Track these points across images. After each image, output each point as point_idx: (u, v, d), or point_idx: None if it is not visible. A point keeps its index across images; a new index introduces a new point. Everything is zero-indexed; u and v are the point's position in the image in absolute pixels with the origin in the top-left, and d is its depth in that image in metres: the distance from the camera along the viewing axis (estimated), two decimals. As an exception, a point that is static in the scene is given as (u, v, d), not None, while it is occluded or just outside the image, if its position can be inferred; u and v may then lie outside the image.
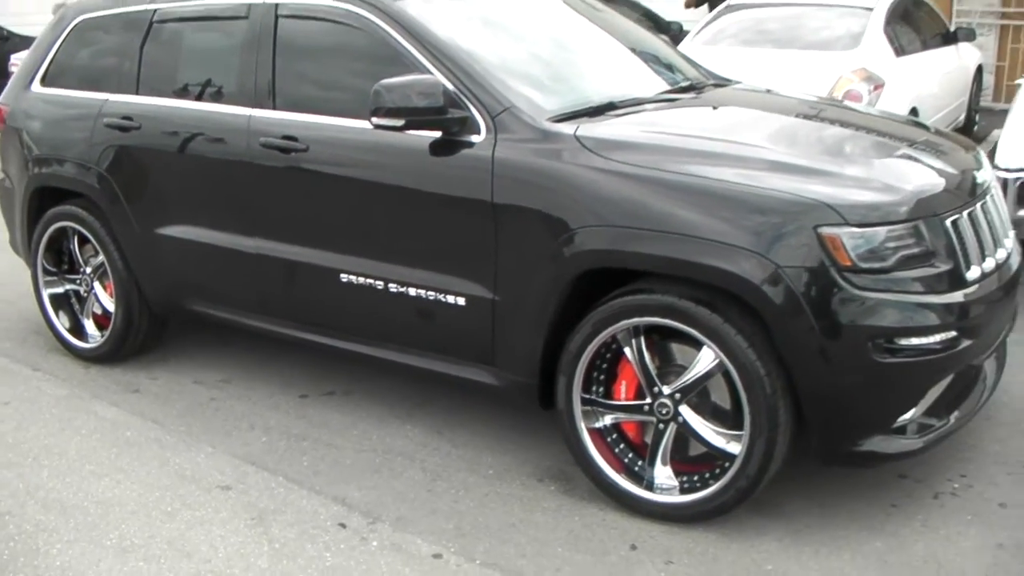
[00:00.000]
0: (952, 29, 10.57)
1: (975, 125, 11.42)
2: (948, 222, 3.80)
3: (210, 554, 3.85)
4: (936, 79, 9.34)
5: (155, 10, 5.46)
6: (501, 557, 3.80)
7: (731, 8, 9.53)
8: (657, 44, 5.65)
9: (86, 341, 5.82)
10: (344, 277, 4.60)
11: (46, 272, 5.95)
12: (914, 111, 8.26)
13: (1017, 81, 8.12)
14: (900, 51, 8.63)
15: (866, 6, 8.77)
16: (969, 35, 10.66)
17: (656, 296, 3.82)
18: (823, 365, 3.62)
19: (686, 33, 10.52)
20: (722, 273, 3.66)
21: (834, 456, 3.85)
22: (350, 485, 4.33)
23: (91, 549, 3.91)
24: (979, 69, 11.43)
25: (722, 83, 5.31)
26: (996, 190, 4.43)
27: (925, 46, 9.59)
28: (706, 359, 3.78)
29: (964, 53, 10.71)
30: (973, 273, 3.85)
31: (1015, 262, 4.29)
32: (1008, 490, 4.16)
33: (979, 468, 4.33)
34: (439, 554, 3.83)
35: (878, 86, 7.76)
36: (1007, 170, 6.02)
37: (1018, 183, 5.96)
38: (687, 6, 13.00)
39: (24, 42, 16.95)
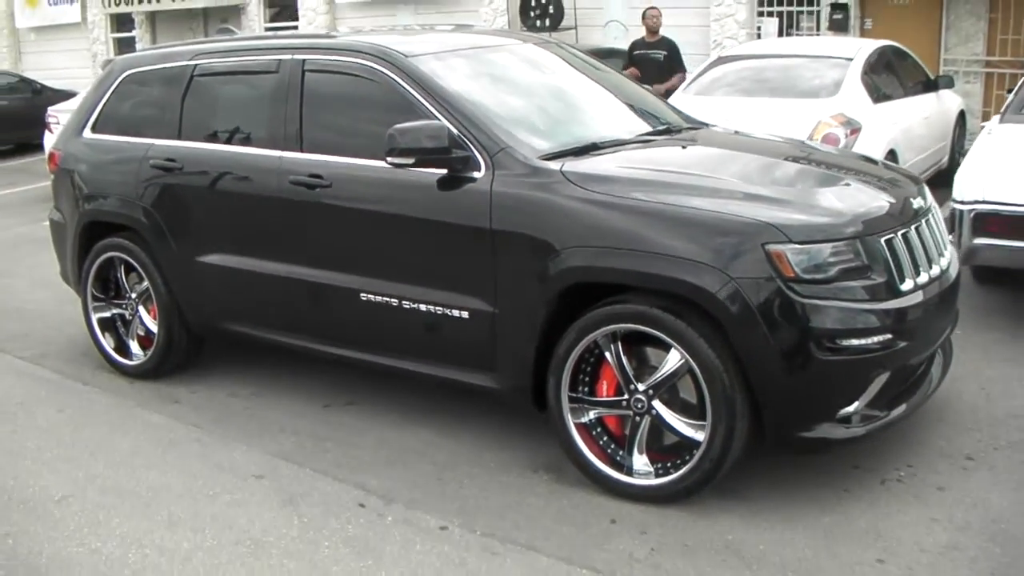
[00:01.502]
0: (933, 77, 11.18)
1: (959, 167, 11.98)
2: (883, 241, 4.43)
3: (248, 526, 4.50)
4: (915, 124, 9.95)
5: (195, 65, 6.17)
6: (498, 529, 4.41)
7: (722, 60, 10.24)
8: (641, 94, 6.31)
9: (131, 359, 6.49)
10: (364, 296, 5.24)
11: (94, 299, 6.62)
12: (892, 153, 8.89)
13: (982, 124, 8.73)
14: (878, 98, 9.27)
15: (847, 57, 9.43)
16: (948, 83, 11.29)
17: (629, 306, 4.46)
18: (773, 362, 4.24)
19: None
20: (684, 284, 4.30)
21: (785, 442, 4.46)
22: (368, 475, 4.96)
23: (145, 523, 4.56)
24: (962, 114, 12.01)
25: (696, 126, 5.97)
26: (934, 215, 5.06)
27: (905, 93, 10.24)
28: (673, 359, 4.41)
29: (945, 99, 11.33)
30: (907, 285, 4.48)
31: (952, 275, 4.93)
32: (948, 477, 4.74)
33: (924, 460, 4.91)
34: (445, 527, 4.45)
35: (855, 130, 8.42)
36: (961, 202, 6.63)
37: (972, 214, 6.55)
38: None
39: (57, 95, 17.79)
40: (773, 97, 9.16)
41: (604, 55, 12.97)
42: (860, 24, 14.78)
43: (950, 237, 6.42)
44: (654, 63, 11.82)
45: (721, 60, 10.28)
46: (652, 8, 12.18)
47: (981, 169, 6.79)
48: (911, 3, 14.45)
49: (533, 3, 16.58)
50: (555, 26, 16.11)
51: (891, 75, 10.23)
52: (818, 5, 14.88)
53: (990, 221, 6.53)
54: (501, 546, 4.28)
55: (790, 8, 15.14)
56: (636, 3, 15.79)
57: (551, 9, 16.27)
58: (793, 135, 7.21)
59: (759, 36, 14.90)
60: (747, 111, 8.72)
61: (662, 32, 12.12)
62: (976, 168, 6.85)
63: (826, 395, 4.35)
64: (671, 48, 11.83)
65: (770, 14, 15.18)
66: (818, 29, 14.91)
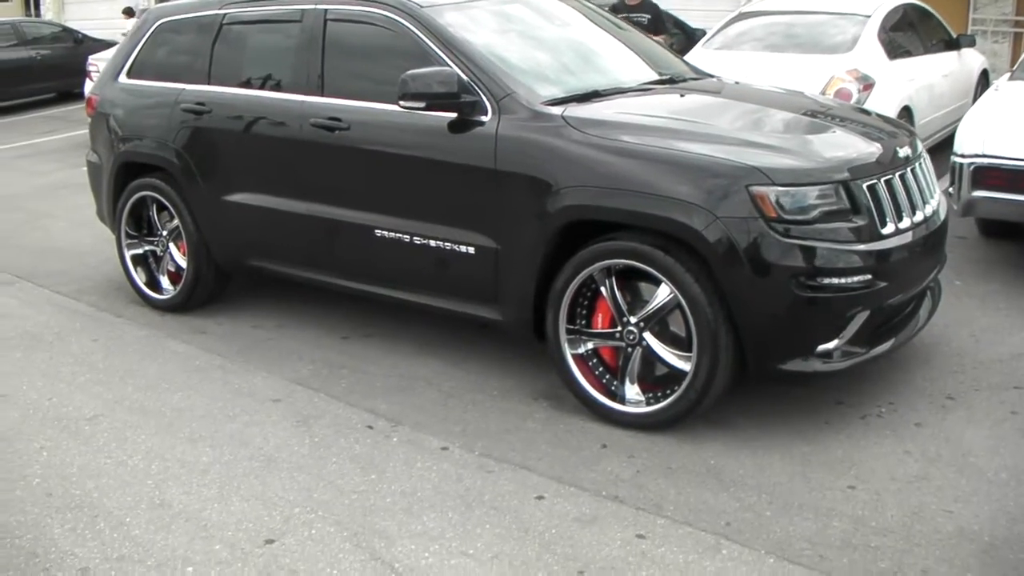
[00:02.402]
0: (955, 36, 11.27)
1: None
2: (866, 186, 4.68)
3: (262, 443, 4.84)
4: (934, 81, 10.06)
5: (224, 14, 6.49)
6: (495, 450, 4.73)
7: (742, 16, 10.40)
8: (648, 44, 6.56)
9: (161, 293, 6.85)
10: (378, 232, 5.55)
11: (128, 236, 6.98)
12: (907, 109, 9.06)
13: (994, 82, 8.85)
14: (893, 54, 9.41)
15: (865, 14, 9.57)
16: (970, 42, 11.36)
17: (622, 242, 4.74)
18: (754, 298, 4.51)
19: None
20: (673, 223, 4.57)
21: (766, 374, 4.73)
22: (378, 400, 5.29)
23: (168, 439, 4.92)
24: (984, 73, 12.08)
25: (699, 77, 6.20)
26: (922, 164, 5.28)
27: (925, 51, 10.35)
28: (663, 293, 4.69)
29: (967, 58, 11.41)
30: (888, 228, 4.72)
31: (938, 222, 5.16)
32: (926, 414, 4.99)
33: (906, 398, 5.16)
34: (446, 447, 4.77)
35: (868, 86, 8.59)
36: (961, 156, 6.80)
37: (971, 167, 6.74)
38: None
39: (98, 45, 18.17)
40: (790, 52, 9.33)
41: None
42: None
43: (949, 188, 6.65)
44: (638, 27, 11.51)
45: (742, 16, 10.44)
46: None
47: (982, 123, 6.95)
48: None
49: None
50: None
51: (911, 32, 10.34)
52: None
53: (989, 174, 6.70)
54: (496, 465, 4.59)
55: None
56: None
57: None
58: (808, 89, 7.40)
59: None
60: (765, 66, 8.91)
61: None
62: (977, 122, 7.01)
63: (806, 330, 4.61)
64: (654, 11, 11.71)
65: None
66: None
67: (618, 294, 4.83)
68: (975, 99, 11.45)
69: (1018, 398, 5.12)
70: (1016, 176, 6.59)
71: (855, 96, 8.42)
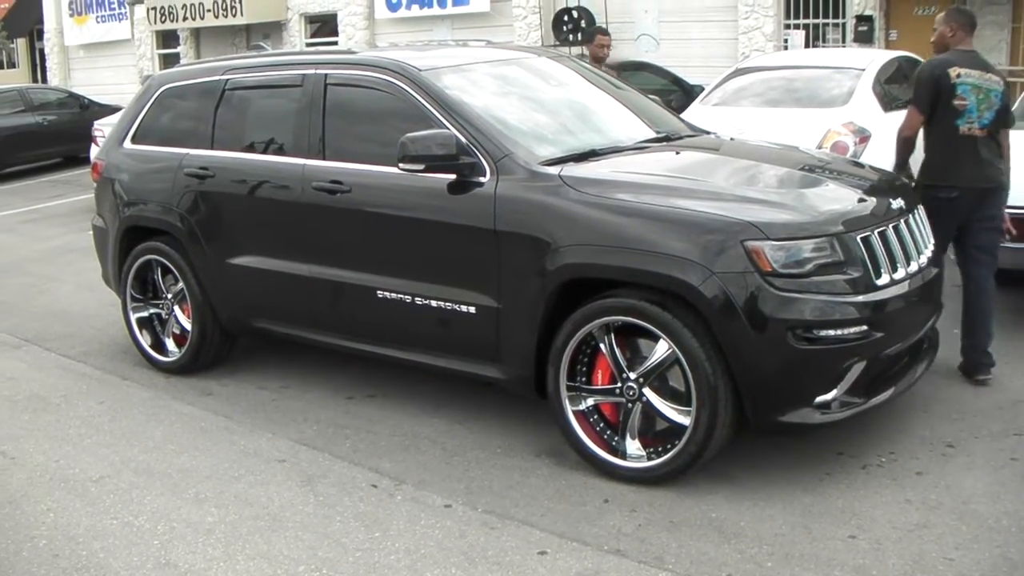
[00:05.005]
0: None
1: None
2: (859, 238, 4.74)
3: (267, 503, 4.89)
4: (928, 132, 10.15)
5: (227, 80, 6.60)
6: (498, 507, 4.77)
7: (739, 72, 10.54)
8: (645, 103, 6.65)
9: (166, 356, 6.91)
10: (380, 293, 5.62)
11: (133, 299, 7.06)
12: (904, 161, 9.13)
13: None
14: (889, 107, 9.50)
15: (859, 67, 9.69)
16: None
17: (620, 299, 4.80)
18: (752, 352, 4.56)
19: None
20: (669, 279, 4.64)
21: (766, 426, 4.77)
22: (383, 459, 5.33)
23: (174, 500, 4.96)
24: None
25: (695, 134, 6.30)
26: (916, 214, 5.35)
27: (919, 102, 10.43)
28: (661, 349, 4.75)
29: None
30: (883, 279, 4.79)
31: (933, 272, 5.24)
32: (927, 463, 5.02)
33: (906, 447, 5.20)
34: (449, 504, 4.81)
35: (864, 138, 8.68)
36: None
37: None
38: None
39: (103, 110, 18.39)
40: (787, 107, 9.44)
41: (634, 68, 13.36)
42: (885, 35, 15.01)
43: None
44: None
45: (739, 72, 10.58)
46: (602, 35, 10.56)
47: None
48: (935, 14, 14.63)
49: (565, 18, 16.93)
50: (588, 40, 16.40)
51: (905, 84, 10.41)
52: (844, 17, 15.14)
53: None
54: (500, 521, 4.63)
55: (816, 20, 15.40)
56: (667, 17, 16.17)
57: (583, 24, 16.59)
58: (805, 143, 7.48)
59: (786, 48, 15.15)
60: (762, 120, 9.01)
61: (618, 58, 11.51)
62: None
63: (803, 382, 4.66)
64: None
65: (796, 26, 15.43)
66: (844, 41, 15.15)
67: (617, 350, 4.89)
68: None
69: (1018, 444, 5.15)
70: (1018, 225, 6.62)
71: (851, 149, 8.52)
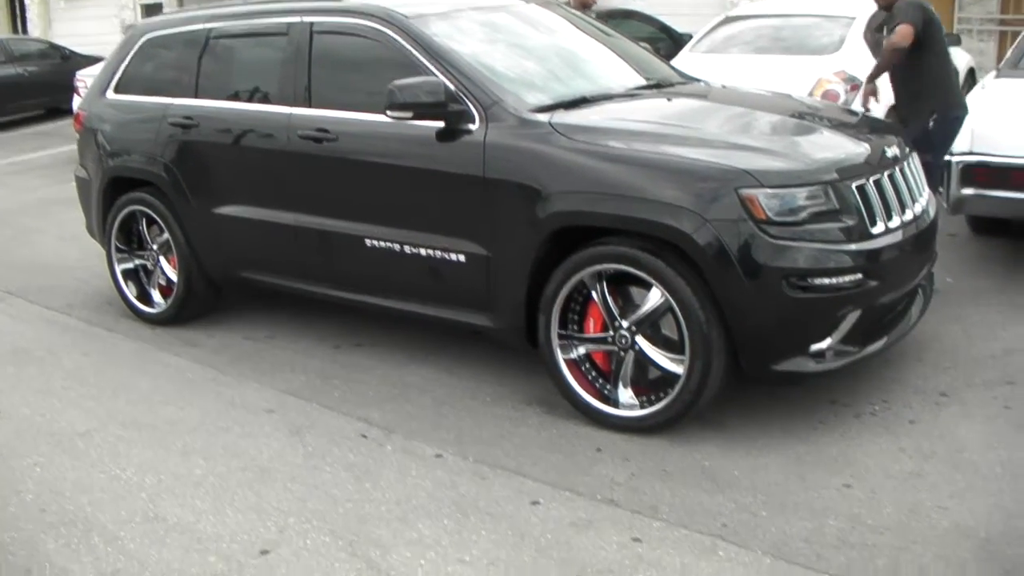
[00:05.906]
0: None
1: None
2: (854, 186, 4.68)
3: (256, 454, 4.83)
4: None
5: (211, 29, 6.49)
6: (489, 456, 4.72)
7: (728, 20, 10.44)
8: (636, 51, 6.56)
9: (152, 307, 6.84)
10: (368, 242, 5.55)
11: (118, 251, 6.96)
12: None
13: (981, 80, 8.88)
14: (880, 55, 9.41)
15: (850, 15, 9.60)
16: (955, 41, 11.38)
17: (612, 247, 4.74)
18: (745, 300, 4.51)
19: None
20: (663, 227, 4.57)
21: (760, 375, 4.74)
22: (372, 409, 5.28)
23: (161, 452, 4.91)
24: (971, 71, 12.13)
25: (686, 81, 6.22)
26: (911, 163, 5.30)
27: (909, 50, 10.35)
28: (654, 297, 4.69)
29: (953, 57, 11.43)
30: (878, 228, 4.73)
31: (928, 220, 5.17)
32: (920, 412, 4.99)
33: (899, 396, 5.17)
34: (440, 454, 4.77)
35: (855, 86, 8.60)
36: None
37: (961, 165, 6.76)
38: None
39: (85, 60, 18.17)
40: (778, 54, 9.36)
41: (622, 16, 13.20)
42: (877, -16, 14.82)
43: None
44: None
45: (729, 19, 10.48)
46: None
47: (971, 122, 6.96)
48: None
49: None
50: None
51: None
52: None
53: (978, 172, 6.73)
54: (491, 471, 4.59)
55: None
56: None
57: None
58: (796, 91, 7.43)
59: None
60: (753, 68, 8.93)
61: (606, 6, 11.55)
62: (966, 121, 7.04)
63: (798, 331, 4.61)
64: None
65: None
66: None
67: (609, 298, 4.83)
68: (962, 96, 11.50)
69: (1011, 393, 5.13)
70: (1005, 173, 6.62)
71: (843, 97, 8.45)
